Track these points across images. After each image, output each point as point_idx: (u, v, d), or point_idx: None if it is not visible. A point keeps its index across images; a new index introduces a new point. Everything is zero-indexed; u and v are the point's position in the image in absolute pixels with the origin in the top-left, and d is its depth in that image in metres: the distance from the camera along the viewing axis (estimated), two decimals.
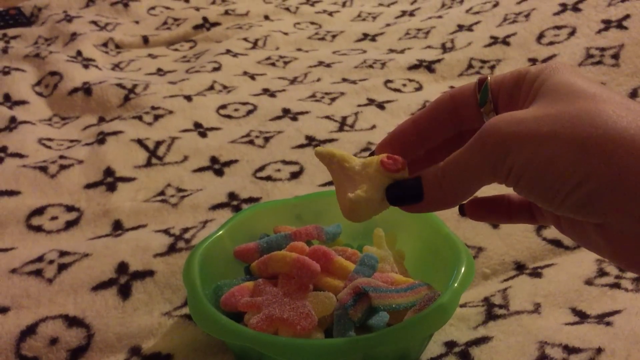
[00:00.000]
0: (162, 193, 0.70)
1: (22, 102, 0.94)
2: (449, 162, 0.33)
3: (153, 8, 1.39)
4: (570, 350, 0.43)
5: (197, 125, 0.84)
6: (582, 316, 0.47)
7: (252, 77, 1.03)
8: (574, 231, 0.33)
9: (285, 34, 1.24)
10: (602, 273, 0.52)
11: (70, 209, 0.68)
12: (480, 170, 0.31)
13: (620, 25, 0.96)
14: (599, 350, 0.42)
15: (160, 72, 1.09)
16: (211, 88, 0.97)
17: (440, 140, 0.38)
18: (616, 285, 0.50)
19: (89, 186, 0.71)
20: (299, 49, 1.19)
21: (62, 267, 0.55)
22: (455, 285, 0.42)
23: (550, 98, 0.31)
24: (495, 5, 1.16)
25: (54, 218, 0.66)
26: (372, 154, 0.39)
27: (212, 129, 0.84)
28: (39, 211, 0.67)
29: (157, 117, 0.85)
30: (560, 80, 0.31)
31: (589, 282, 0.51)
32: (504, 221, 0.39)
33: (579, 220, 0.31)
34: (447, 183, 0.33)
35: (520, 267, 0.56)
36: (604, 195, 0.28)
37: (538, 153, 0.29)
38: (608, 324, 0.45)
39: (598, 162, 0.27)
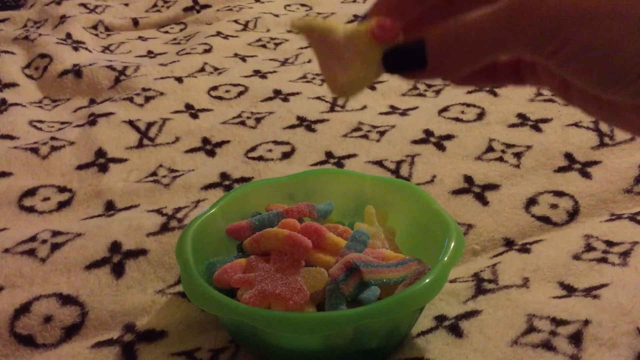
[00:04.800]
0: (154, 174, 0.70)
1: (12, 85, 0.93)
2: (467, 24, 0.28)
3: None
4: (558, 322, 0.43)
5: (189, 107, 0.84)
6: (569, 290, 0.48)
7: (243, 58, 1.03)
8: (590, 102, 0.31)
9: (276, 15, 1.24)
10: (589, 248, 0.52)
11: (62, 189, 0.68)
12: (514, 40, 0.27)
13: None
14: (586, 322, 0.43)
15: (150, 54, 1.08)
16: (202, 70, 0.97)
17: None
18: (603, 260, 0.50)
19: (80, 167, 0.71)
20: (290, 31, 1.18)
21: (55, 247, 0.56)
22: (445, 259, 0.42)
23: None
24: None
25: (46, 199, 0.66)
26: (364, 17, 0.33)
27: (203, 110, 0.84)
28: (31, 192, 0.67)
29: (148, 99, 0.85)
30: None
31: (576, 257, 0.51)
32: (487, 83, 0.35)
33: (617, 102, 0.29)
34: (460, 48, 0.28)
35: (509, 243, 0.56)
36: None
37: (603, 31, 0.26)
38: (595, 297, 0.46)
39: None
